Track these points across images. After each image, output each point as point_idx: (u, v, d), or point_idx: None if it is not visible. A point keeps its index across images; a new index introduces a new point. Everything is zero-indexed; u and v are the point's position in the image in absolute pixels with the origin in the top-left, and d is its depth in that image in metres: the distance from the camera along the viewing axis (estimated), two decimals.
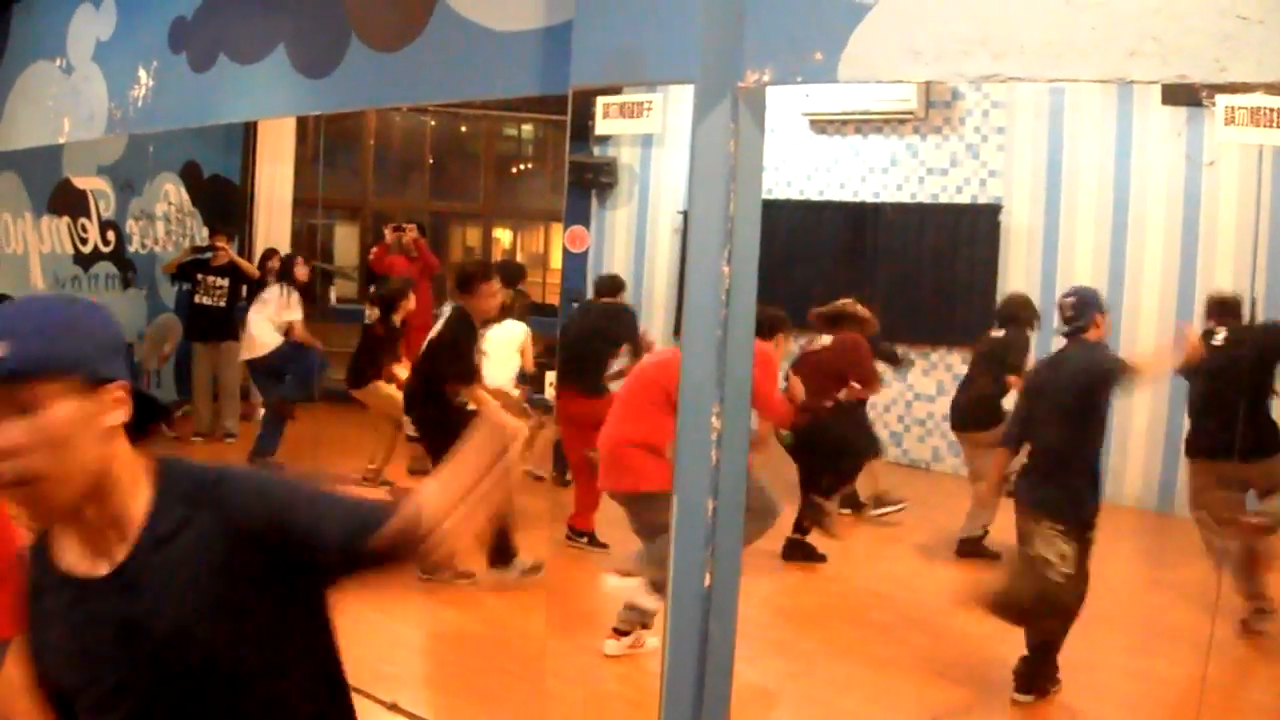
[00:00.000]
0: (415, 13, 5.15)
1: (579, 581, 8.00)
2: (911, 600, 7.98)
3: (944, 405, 11.10)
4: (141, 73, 7.01)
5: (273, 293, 10.70)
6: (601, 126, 4.53)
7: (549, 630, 6.47)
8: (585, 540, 8.49)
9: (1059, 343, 6.44)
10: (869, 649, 7.05)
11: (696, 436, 4.07)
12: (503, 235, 16.55)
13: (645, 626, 6.61)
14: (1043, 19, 3.42)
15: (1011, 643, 6.21)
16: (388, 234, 12.20)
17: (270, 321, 10.58)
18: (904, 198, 12.22)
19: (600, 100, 4.46)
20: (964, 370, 9.75)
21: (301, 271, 10.98)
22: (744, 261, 4.13)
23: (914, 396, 12.13)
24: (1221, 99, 3.73)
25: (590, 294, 9.76)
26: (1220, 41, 3.18)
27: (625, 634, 6.63)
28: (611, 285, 9.64)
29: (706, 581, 4.11)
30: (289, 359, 10.63)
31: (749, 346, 4.27)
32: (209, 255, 11.43)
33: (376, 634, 6.81)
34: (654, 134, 4.21)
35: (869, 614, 7.76)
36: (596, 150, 13.68)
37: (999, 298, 11.15)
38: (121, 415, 2.10)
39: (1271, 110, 3.65)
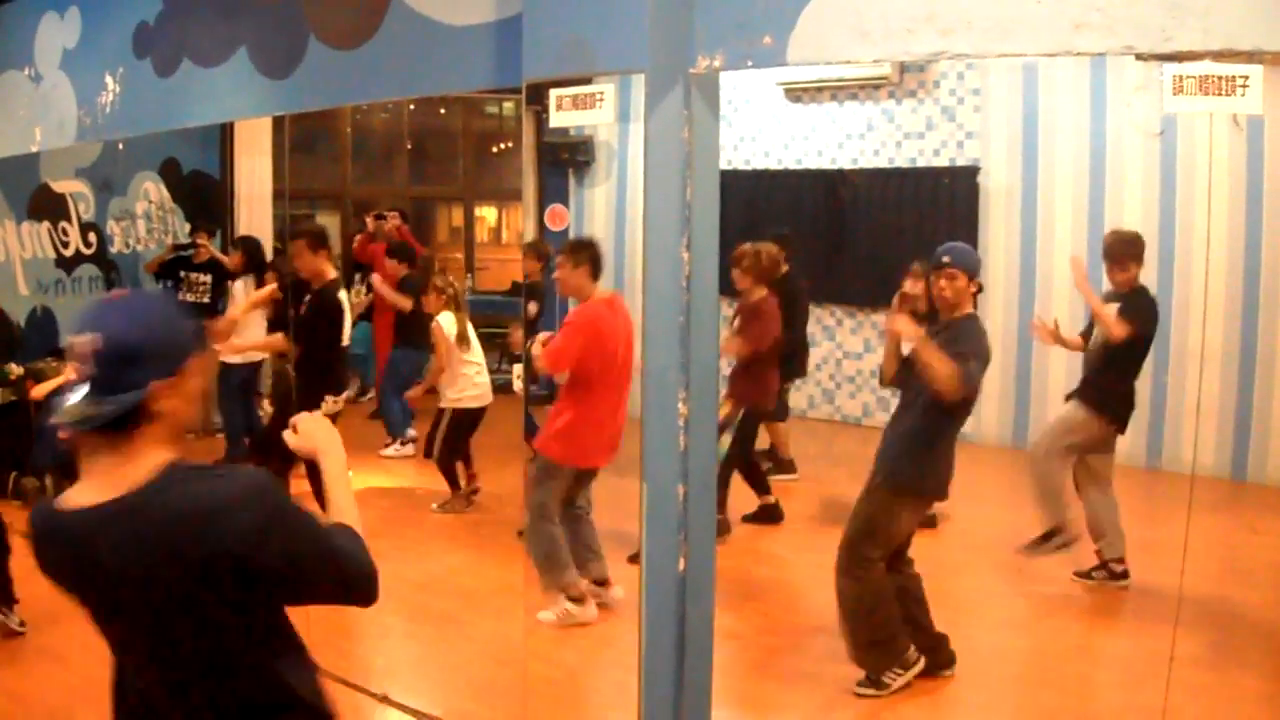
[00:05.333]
0: (371, 10, 5.17)
1: None
2: None
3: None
4: (108, 79, 7.03)
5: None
6: (555, 119, 4.50)
7: (530, 617, 6.53)
8: None
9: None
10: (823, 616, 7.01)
11: (664, 422, 4.10)
12: (487, 214, 16.51)
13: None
14: None
15: None
16: (369, 222, 12.19)
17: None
18: (882, 163, 12.19)
19: (553, 92, 4.46)
20: None
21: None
22: (704, 247, 4.16)
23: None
24: (1169, 68, 3.73)
25: None
26: (1166, 11, 3.20)
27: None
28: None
29: (681, 566, 4.14)
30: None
31: (714, 331, 4.29)
32: (191, 252, 11.40)
33: (365, 626, 6.85)
34: (608, 123, 4.22)
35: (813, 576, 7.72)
36: (572, 130, 13.68)
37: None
38: None
39: (1219, 78, 3.66)
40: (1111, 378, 7.30)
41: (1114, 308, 7.18)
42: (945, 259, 5.91)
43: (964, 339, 5.81)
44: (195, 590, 2.46)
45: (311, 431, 2.97)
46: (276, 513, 2.52)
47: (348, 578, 2.65)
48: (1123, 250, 7.41)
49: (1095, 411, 7.30)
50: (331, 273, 8.20)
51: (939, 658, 6.12)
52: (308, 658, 2.75)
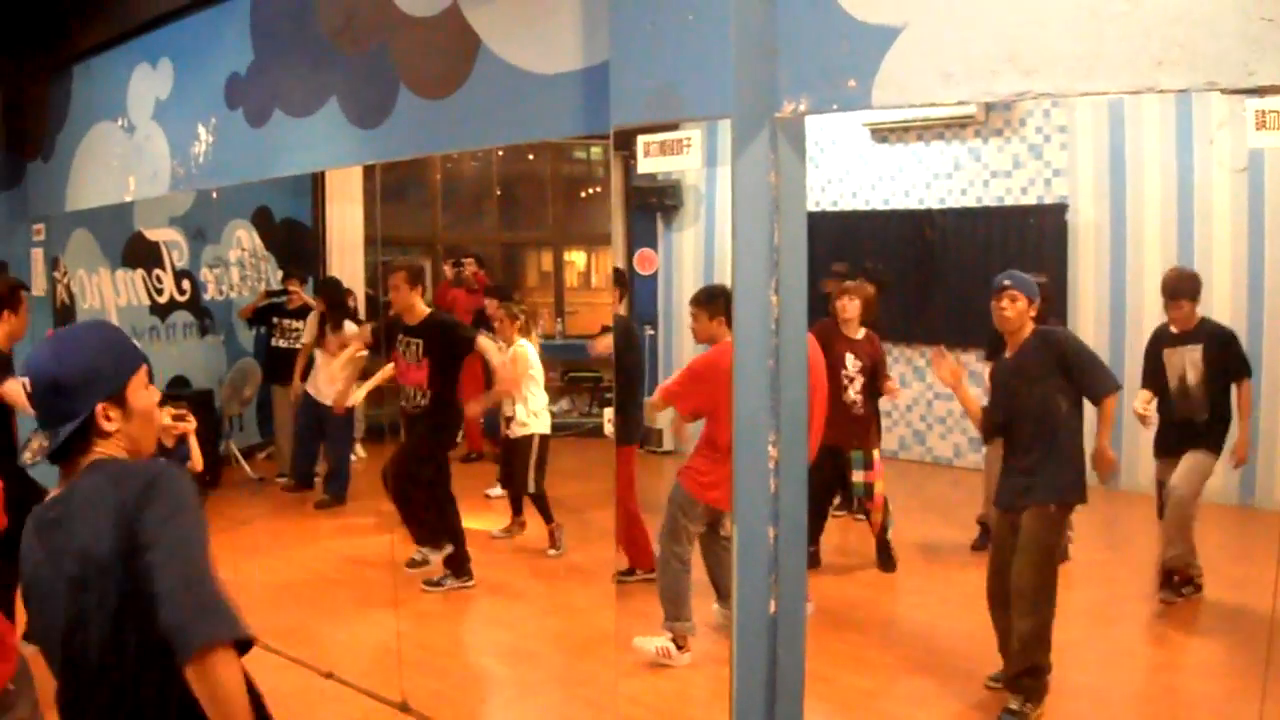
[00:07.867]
0: (460, 60, 5.23)
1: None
2: (950, 609, 7.88)
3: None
4: (201, 129, 7.14)
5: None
6: (643, 165, 4.53)
7: (621, 656, 6.52)
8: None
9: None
10: (923, 657, 6.98)
11: (754, 466, 4.11)
12: (577, 258, 16.57)
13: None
14: (1070, 33, 3.43)
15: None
16: (447, 270, 12.32)
17: None
18: (969, 202, 12.15)
19: (641, 139, 4.48)
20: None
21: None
22: (792, 291, 4.17)
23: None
24: (1251, 103, 3.72)
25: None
26: (1247, 45, 3.17)
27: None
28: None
29: (771, 608, 4.15)
30: None
31: (802, 376, 4.30)
32: (283, 299, 11.53)
33: (458, 669, 6.89)
34: (695, 168, 4.20)
35: (911, 618, 7.72)
36: (660, 174, 13.69)
37: (1069, 296, 11.11)
38: None
39: None
40: (1223, 414, 7.41)
41: (1197, 349, 7.33)
42: (1006, 282, 6.14)
43: (1086, 361, 6.04)
44: (102, 579, 2.54)
45: None
46: (171, 497, 2.55)
47: (182, 608, 2.44)
48: (1175, 287, 7.48)
49: (1215, 451, 7.39)
50: (424, 308, 8.28)
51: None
52: None
